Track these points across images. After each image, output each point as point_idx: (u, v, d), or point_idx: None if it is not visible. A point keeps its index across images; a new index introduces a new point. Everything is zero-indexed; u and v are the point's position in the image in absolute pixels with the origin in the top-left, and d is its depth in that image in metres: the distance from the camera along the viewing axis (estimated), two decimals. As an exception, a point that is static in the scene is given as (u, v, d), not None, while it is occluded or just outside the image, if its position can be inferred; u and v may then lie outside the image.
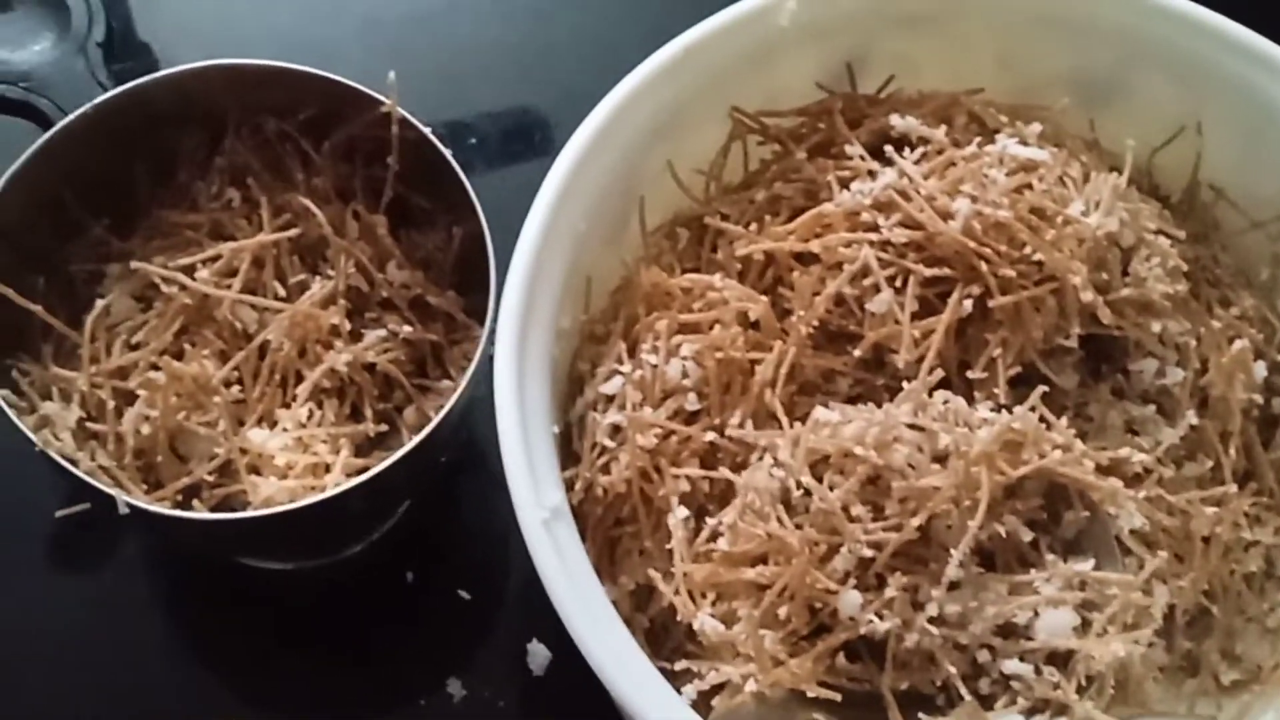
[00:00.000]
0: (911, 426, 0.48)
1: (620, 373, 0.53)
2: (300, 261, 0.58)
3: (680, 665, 0.49)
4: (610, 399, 0.53)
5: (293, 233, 0.58)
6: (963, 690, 0.47)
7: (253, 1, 0.80)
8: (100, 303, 0.56)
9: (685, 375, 0.52)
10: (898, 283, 0.53)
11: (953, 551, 0.46)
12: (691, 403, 0.52)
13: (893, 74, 0.61)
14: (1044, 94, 0.60)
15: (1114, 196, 0.55)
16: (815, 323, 0.53)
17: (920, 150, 0.56)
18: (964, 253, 0.52)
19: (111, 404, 0.54)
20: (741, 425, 0.52)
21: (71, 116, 0.56)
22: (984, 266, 0.52)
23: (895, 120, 0.57)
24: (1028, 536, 0.49)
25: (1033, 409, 0.50)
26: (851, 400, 0.54)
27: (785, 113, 0.60)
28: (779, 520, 0.48)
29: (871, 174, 0.56)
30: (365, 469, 0.55)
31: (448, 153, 0.57)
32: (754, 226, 0.57)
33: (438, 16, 0.80)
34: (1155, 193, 0.62)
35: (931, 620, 0.46)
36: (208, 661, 0.62)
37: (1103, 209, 0.54)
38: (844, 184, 0.56)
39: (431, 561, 0.64)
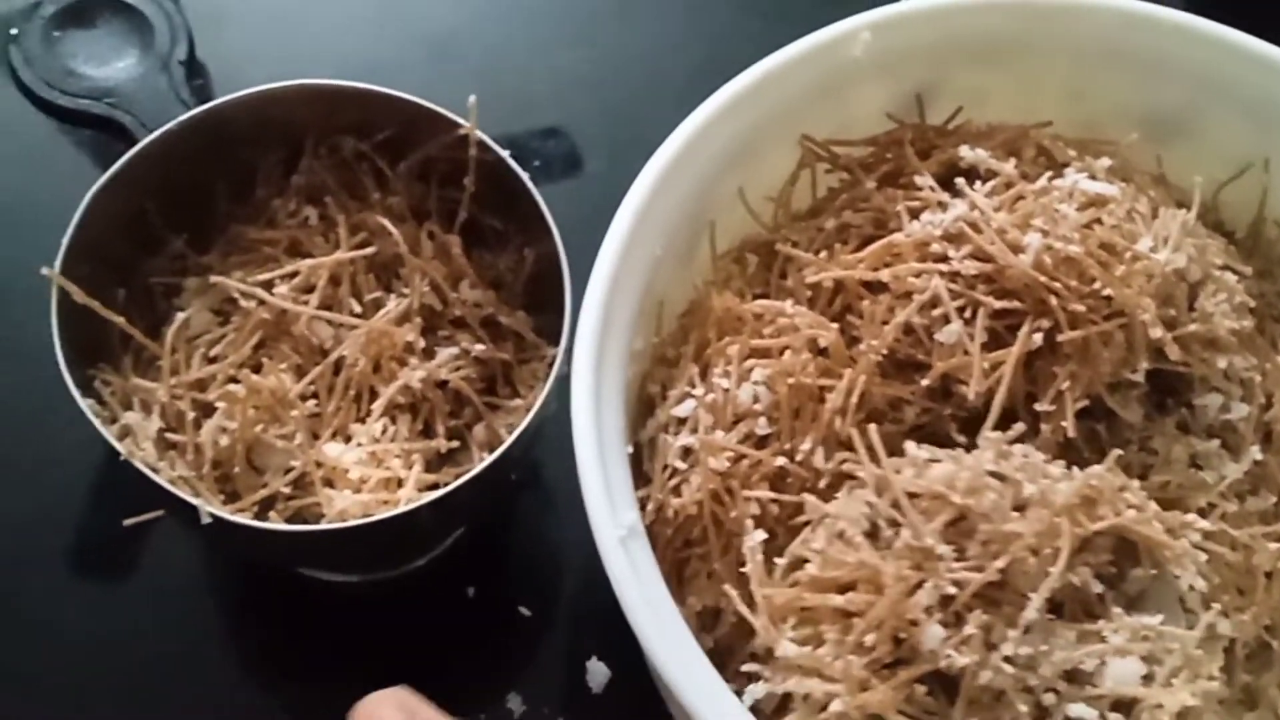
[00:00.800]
0: (994, 474, 0.49)
1: (692, 396, 0.54)
2: (375, 279, 0.59)
3: (748, 667, 0.50)
4: (682, 421, 0.54)
5: (369, 251, 0.59)
6: None
7: (322, 23, 0.81)
8: (180, 316, 0.57)
9: (756, 400, 0.53)
10: (967, 314, 0.54)
11: (1030, 595, 0.47)
12: (762, 427, 0.53)
13: (961, 105, 0.62)
14: (1111, 128, 0.61)
15: (1182, 233, 0.55)
16: (884, 351, 0.54)
17: (990, 183, 0.56)
18: (1034, 286, 0.53)
19: (191, 415, 0.55)
20: (812, 451, 0.52)
21: (155, 134, 0.57)
22: (1053, 300, 0.53)
23: (965, 152, 0.58)
24: (1097, 588, 0.49)
25: (1109, 469, 0.50)
26: (918, 428, 0.55)
27: (855, 142, 0.61)
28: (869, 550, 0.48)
29: (941, 205, 0.56)
30: (435, 485, 0.56)
31: (524, 175, 0.58)
32: (823, 254, 0.57)
33: (502, 38, 0.82)
34: (1220, 228, 0.62)
35: (1005, 660, 0.47)
36: (269, 672, 0.63)
37: (1171, 245, 0.54)
38: (914, 214, 0.57)
39: (492, 577, 0.64)
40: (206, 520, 0.50)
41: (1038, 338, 0.53)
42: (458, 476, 0.54)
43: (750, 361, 0.54)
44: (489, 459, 0.53)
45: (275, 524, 0.53)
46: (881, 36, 0.58)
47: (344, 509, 0.54)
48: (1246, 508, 0.56)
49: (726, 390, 0.53)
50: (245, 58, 0.77)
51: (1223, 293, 0.56)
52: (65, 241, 0.54)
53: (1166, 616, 0.50)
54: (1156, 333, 0.53)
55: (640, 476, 0.54)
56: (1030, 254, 0.53)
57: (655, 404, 0.55)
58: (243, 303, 0.57)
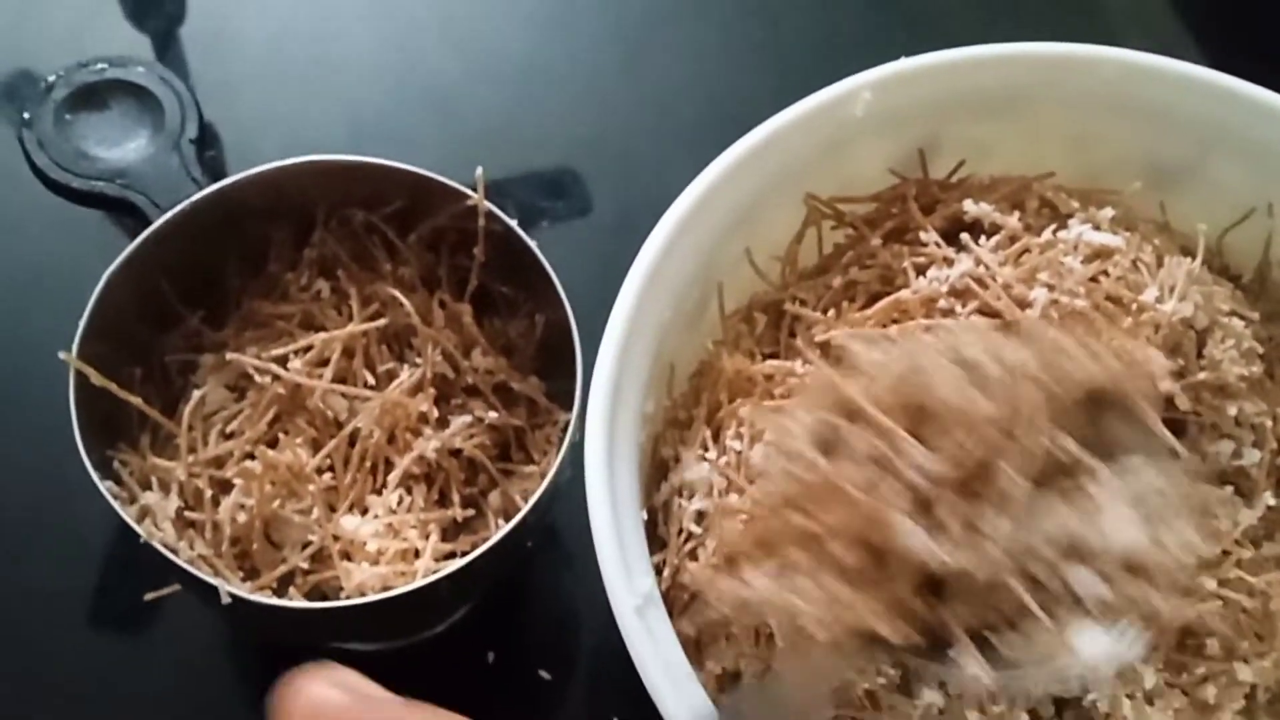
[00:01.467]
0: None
1: (705, 459, 0.54)
2: (388, 350, 0.60)
3: None
4: (696, 485, 0.54)
5: (381, 322, 0.59)
6: (1035, 609, 0.41)
7: (332, 90, 0.82)
8: (196, 393, 0.58)
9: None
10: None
11: (1005, 467, 0.42)
12: (775, 489, 0.53)
13: (964, 159, 0.62)
14: (1114, 177, 0.61)
15: (1188, 281, 0.55)
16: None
17: (995, 238, 0.57)
18: (1043, 340, 0.53)
19: (209, 493, 0.55)
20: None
21: (168, 214, 0.58)
22: (1063, 354, 0.53)
23: (969, 205, 0.58)
24: (1074, 447, 0.44)
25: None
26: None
27: (859, 199, 0.61)
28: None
29: (947, 261, 0.57)
30: (452, 553, 0.56)
31: (533, 244, 0.58)
32: (831, 312, 0.58)
33: (509, 99, 0.82)
34: (1226, 273, 0.62)
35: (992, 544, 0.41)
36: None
37: (1177, 294, 0.55)
38: (920, 270, 0.57)
39: (511, 641, 0.65)
40: (226, 600, 0.51)
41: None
42: (474, 544, 0.55)
43: (761, 419, 0.54)
44: (506, 528, 0.53)
45: (294, 602, 0.53)
46: (882, 95, 0.59)
47: (362, 582, 0.54)
48: (1262, 553, 0.56)
49: (739, 452, 0.54)
50: (256, 126, 0.78)
51: (1230, 339, 0.56)
52: (82, 324, 0.55)
53: (1153, 455, 0.45)
54: (1165, 385, 0.53)
55: (655, 540, 0.54)
56: (1037, 309, 0.53)
57: (668, 467, 0.56)
58: (258, 378, 0.58)
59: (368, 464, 0.57)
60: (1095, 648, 0.41)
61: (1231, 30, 0.86)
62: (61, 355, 0.53)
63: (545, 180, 0.79)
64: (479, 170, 0.57)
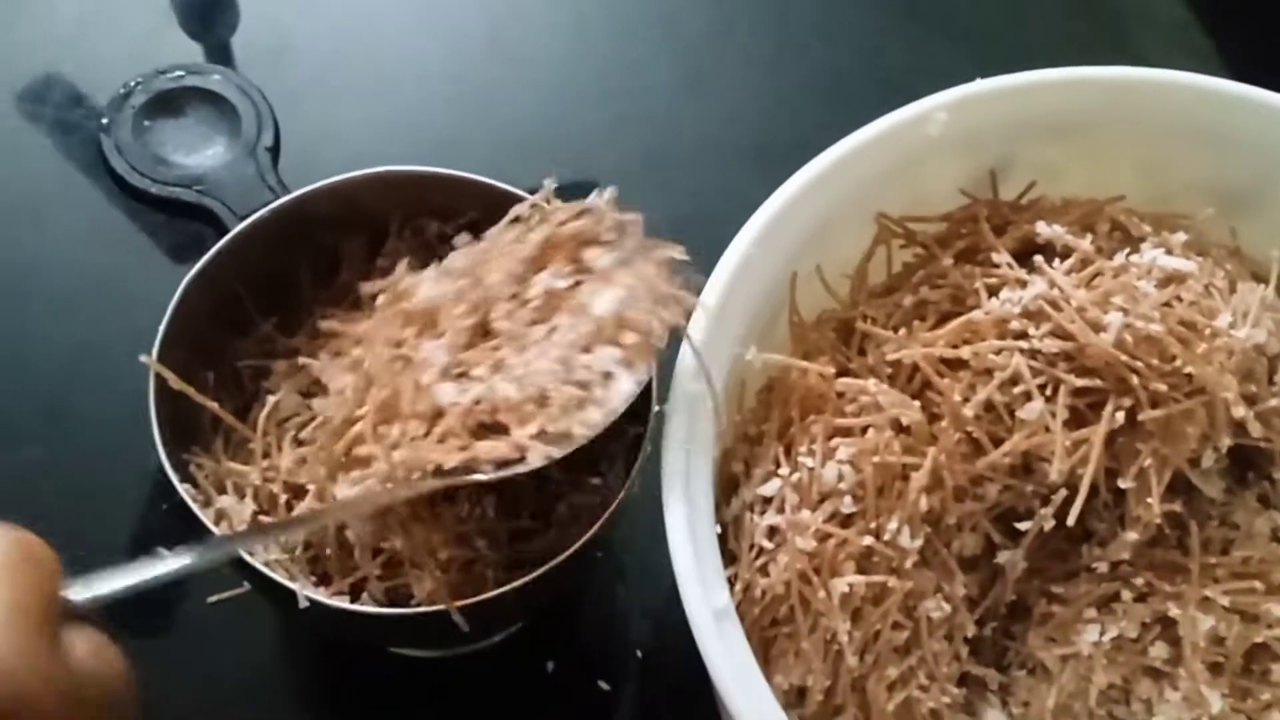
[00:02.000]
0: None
1: (777, 475, 0.54)
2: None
3: None
4: (767, 501, 0.54)
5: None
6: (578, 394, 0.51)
7: (395, 103, 0.82)
8: (271, 399, 0.58)
9: (841, 479, 0.53)
10: (1047, 391, 0.54)
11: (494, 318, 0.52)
12: (847, 506, 0.53)
13: (1034, 180, 0.62)
14: (1183, 201, 0.61)
15: (1261, 307, 0.55)
16: (966, 429, 0.54)
17: (1068, 261, 0.57)
18: (1115, 365, 0.53)
19: (283, 498, 0.56)
20: (898, 530, 0.53)
21: (245, 221, 0.58)
22: (1135, 379, 0.53)
23: (1041, 228, 0.58)
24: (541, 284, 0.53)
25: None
26: (998, 506, 0.55)
27: (930, 219, 0.62)
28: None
29: (1020, 282, 0.57)
30: (518, 561, 0.57)
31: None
32: (901, 330, 0.58)
33: (570, 117, 0.83)
34: (1297, 299, 0.62)
35: None
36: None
37: (1250, 320, 0.55)
38: (991, 291, 0.57)
39: (571, 651, 0.65)
40: (304, 604, 0.51)
41: (1120, 416, 0.53)
42: (539, 554, 0.55)
43: (834, 440, 0.55)
44: (580, 541, 0.53)
45: (369, 607, 0.53)
46: (957, 116, 0.59)
47: (433, 590, 0.55)
48: (1328, 578, 0.56)
49: (811, 469, 0.54)
50: (315, 136, 0.79)
51: (1303, 364, 0.56)
52: (162, 328, 0.55)
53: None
54: (1239, 411, 0.53)
55: (726, 555, 0.54)
56: (1111, 333, 0.53)
57: (739, 482, 0.56)
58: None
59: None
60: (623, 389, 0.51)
61: (1261, 50, 0.86)
62: (143, 358, 0.54)
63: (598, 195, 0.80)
64: (547, 182, 0.57)
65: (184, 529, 0.59)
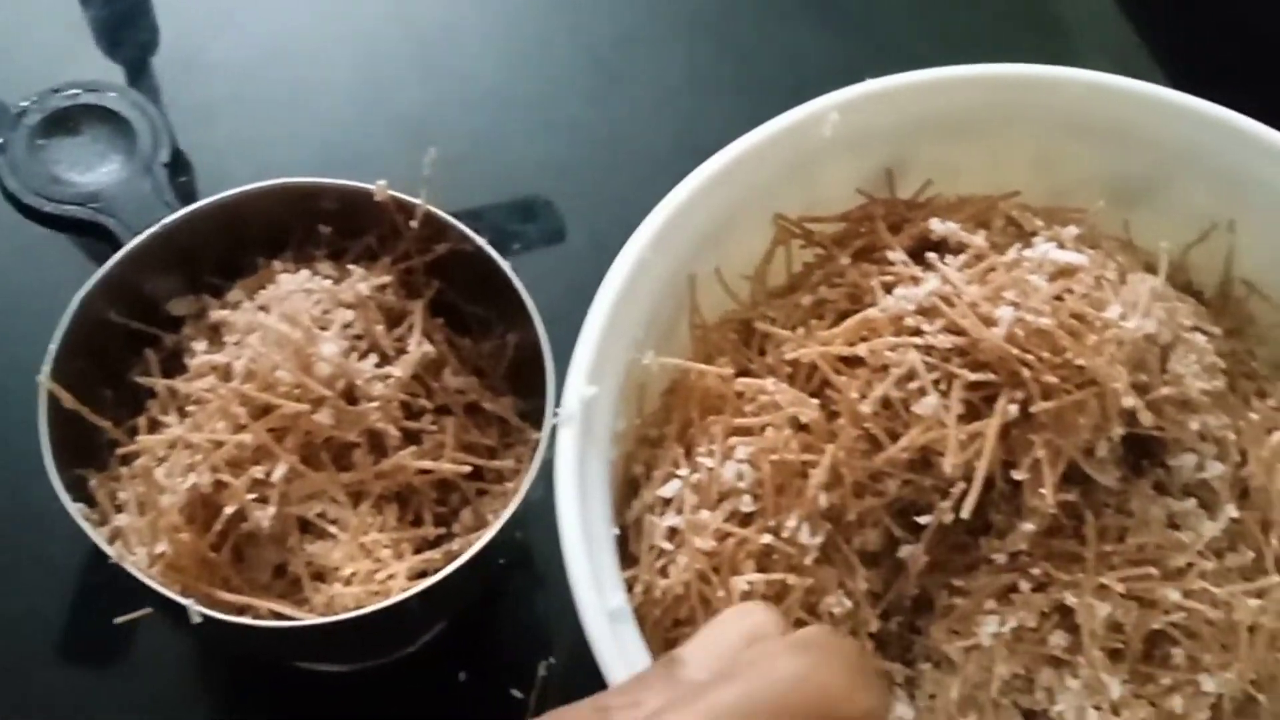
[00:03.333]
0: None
1: (677, 476, 0.54)
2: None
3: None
4: (667, 502, 0.54)
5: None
6: None
7: (306, 115, 0.82)
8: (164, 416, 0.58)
9: (740, 478, 0.54)
10: (942, 386, 0.54)
11: None
12: (747, 505, 0.53)
13: (930, 179, 0.63)
14: (1078, 195, 0.62)
15: (1151, 298, 0.56)
16: (863, 425, 0.55)
17: (962, 256, 0.57)
18: (1007, 359, 0.53)
19: (177, 516, 0.55)
20: (797, 528, 0.53)
21: (141, 237, 0.58)
22: (1027, 372, 0.53)
23: (935, 225, 0.59)
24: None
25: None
26: (899, 500, 0.55)
27: (828, 218, 0.62)
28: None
29: (915, 279, 0.57)
30: (423, 572, 0.56)
31: (505, 264, 0.59)
32: (800, 330, 0.58)
33: (482, 124, 0.83)
34: (1189, 289, 0.63)
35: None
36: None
37: (1140, 310, 0.55)
38: (887, 289, 0.58)
39: (483, 660, 0.65)
40: (197, 620, 0.51)
41: (1013, 409, 0.54)
42: (445, 563, 0.55)
43: (734, 440, 0.55)
44: (476, 545, 0.53)
45: (264, 621, 0.53)
46: (849, 116, 0.60)
47: (333, 600, 0.54)
48: (1225, 564, 0.56)
49: (711, 469, 0.54)
50: (229, 152, 0.79)
51: (1193, 354, 0.57)
52: (54, 346, 0.55)
53: None
54: (1129, 401, 0.53)
55: (627, 557, 0.54)
56: (1003, 327, 0.53)
57: (640, 485, 0.56)
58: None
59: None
60: None
61: (1193, 52, 0.87)
62: (39, 378, 0.54)
63: (517, 205, 0.80)
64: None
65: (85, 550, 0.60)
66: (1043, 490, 0.53)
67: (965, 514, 0.53)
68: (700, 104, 0.85)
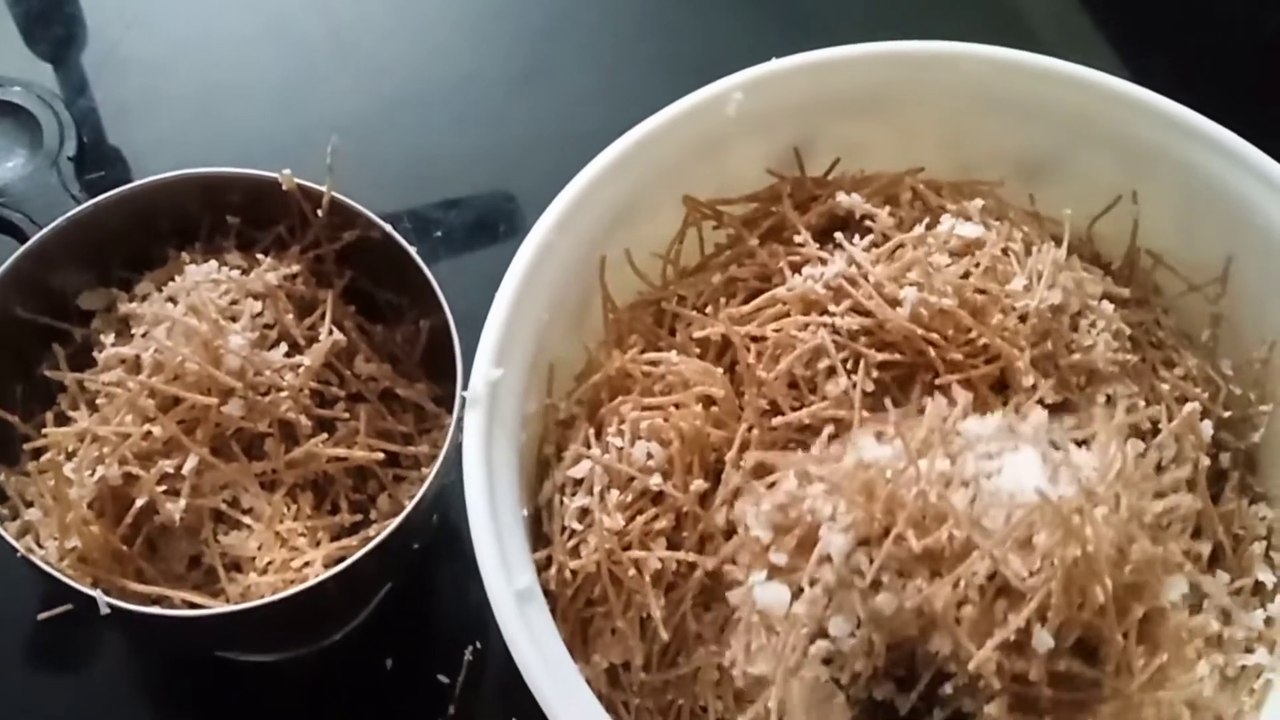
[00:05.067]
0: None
1: (587, 456, 0.55)
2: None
3: None
4: (578, 482, 0.54)
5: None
6: None
7: (229, 110, 0.82)
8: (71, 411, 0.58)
9: (650, 457, 0.54)
10: (848, 364, 0.55)
11: None
12: (657, 483, 0.54)
13: (839, 157, 0.63)
14: (986, 170, 0.63)
15: (1055, 269, 0.57)
16: (768, 402, 0.55)
17: (869, 238, 0.58)
18: (913, 338, 0.54)
19: (85, 509, 0.55)
20: (703, 501, 0.53)
21: (46, 230, 0.58)
22: (932, 351, 0.54)
23: (841, 198, 0.59)
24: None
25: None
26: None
27: (737, 200, 0.62)
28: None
29: (822, 260, 0.58)
30: (341, 558, 0.56)
31: (412, 250, 0.59)
32: (710, 309, 0.59)
33: (405, 118, 0.83)
34: (1097, 260, 0.63)
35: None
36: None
37: (1044, 282, 0.56)
38: (795, 269, 0.58)
39: (410, 647, 0.65)
40: (105, 611, 0.51)
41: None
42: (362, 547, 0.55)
43: (642, 413, 0.55)
44: (387, 530, 0.54)
45: (175, 610, 0.53)
46: (753, 95, 0.60)
47: (248, 589, 0.54)
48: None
49: (620, 449, 0.54)
50: (151, 148, 0.79)
51: (1101, 321, 0.58)
52: (-40, 342, 0.55)
53: None
54: (1029, 381, 0.54)
55: (541, 539, 0.54)
56: (907, 308, 0.54)
57: (551, 466, 0.56)
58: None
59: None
60: None
61: (1148, 37, 0.88)
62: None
63: (439, 198, 0.80)
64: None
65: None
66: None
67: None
68: (629, 88, 0.85)
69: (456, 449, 0.54)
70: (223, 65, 0.85)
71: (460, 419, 0.53)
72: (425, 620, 0.67)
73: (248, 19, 0.87)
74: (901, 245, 0.57)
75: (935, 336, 0.54)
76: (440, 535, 0.65)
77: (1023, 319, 0.55)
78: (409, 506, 0.54)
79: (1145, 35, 0.88)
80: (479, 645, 0.65)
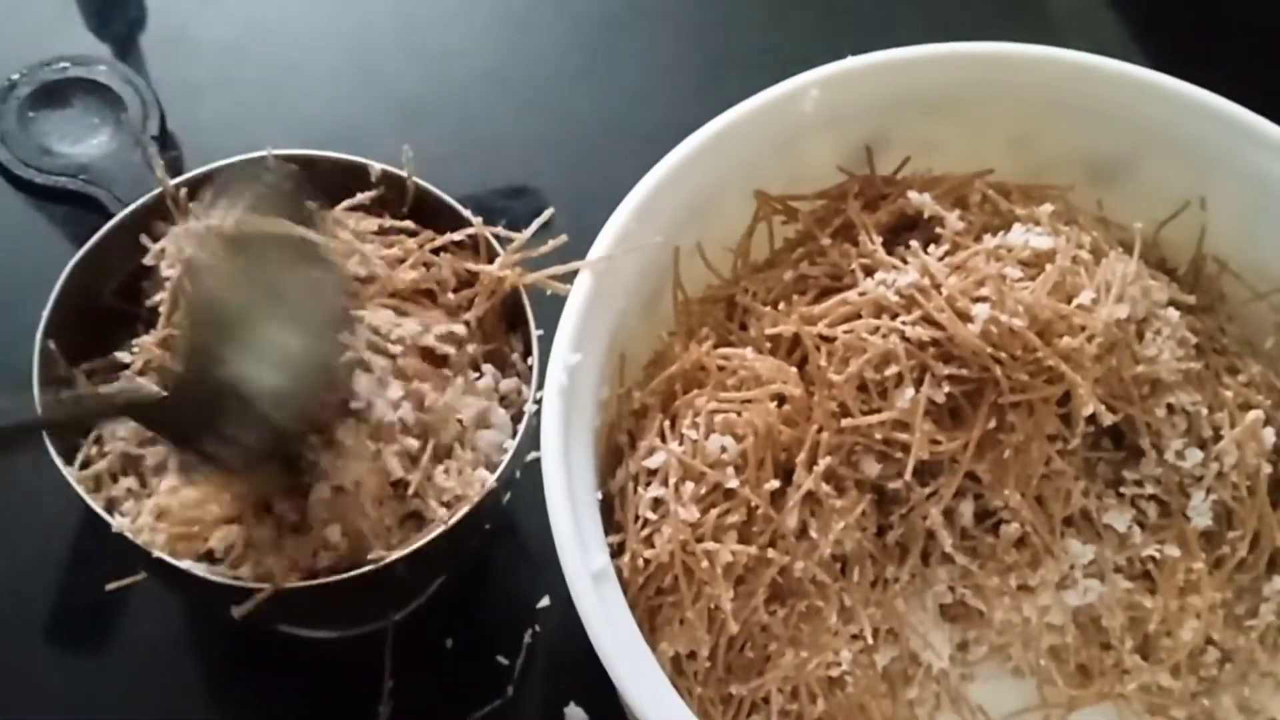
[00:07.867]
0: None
1: (661, 448, 0.55)
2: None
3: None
4: (652, 473, 0.55)
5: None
6: None
7: (294, 93, 0.83)
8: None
9: (724, 450, 0.55)
10: (914, 373, 0.55)
11: None
12: (730, 477, 0.54)
13: (909, 155, 0.64)
14: (1054, 173, 0.63)
15: (1124, 283, 0.57)
16: (840, 404, 0.55)
17: (943, 246, 0.58)
18: (980, 354, 0.54)
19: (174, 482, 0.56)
20: (775, 498, 0.54)
21: (131, 207, 0.59)
22: (998, 370, 0.54)
23: (912, 196, 0.60)
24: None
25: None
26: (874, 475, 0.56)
27: (807, 196, 0.63)
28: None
29: (894, 267, 0.58)
30: (405, 537, 0.57)
31: (489, 234, 0.60)
32: (781, 305, 0.59)
33: (470, 105, 0.84)
34: (1162, 265, 0.64)
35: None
36: (252, 731, 0.64)
37: (1113, 296, 0.56)
38: (868, 271, 0.59)
39: (469, 628, 0.66)
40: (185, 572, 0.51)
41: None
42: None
43: (714, 408, 0.56)
44: (461, 511, 0.54)
45: (251, 583, 0.54)
46: (829, 92, 0.61)
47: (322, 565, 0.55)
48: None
49: (695, 441, 0.55)
50: (219, 129, 0.79)
51: (1167, 328, 0.58)
52: (46, 314, 0.56)
53: None
54: (1088, 409, 0.54)
55: (611, 524, 0.55)
56: (978, 324, 0.54)
57: (624, 454, 0.57)
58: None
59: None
60: None
61: (1171, 32, 0.88)
62: (38, 343, 0.54)
63: (504, 184, 0.81)
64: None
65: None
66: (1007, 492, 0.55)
67: (907, 476, 0.54)
68: (690, 84, 0.86)
69: (529, 433, 0.55)
70: (289, 48, 0.85)
71: (538, 403, 0.54)
72: (483, 602, 0.68)
73: (315, 3, 0.88)
74: (976, 255, 0.58)
75: (1003, 355, 0.55)
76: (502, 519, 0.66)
77: (1090, 338, 0.55)
78: (485, 489, 0.55)
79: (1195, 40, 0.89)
80: (538, 629, 0.65)
